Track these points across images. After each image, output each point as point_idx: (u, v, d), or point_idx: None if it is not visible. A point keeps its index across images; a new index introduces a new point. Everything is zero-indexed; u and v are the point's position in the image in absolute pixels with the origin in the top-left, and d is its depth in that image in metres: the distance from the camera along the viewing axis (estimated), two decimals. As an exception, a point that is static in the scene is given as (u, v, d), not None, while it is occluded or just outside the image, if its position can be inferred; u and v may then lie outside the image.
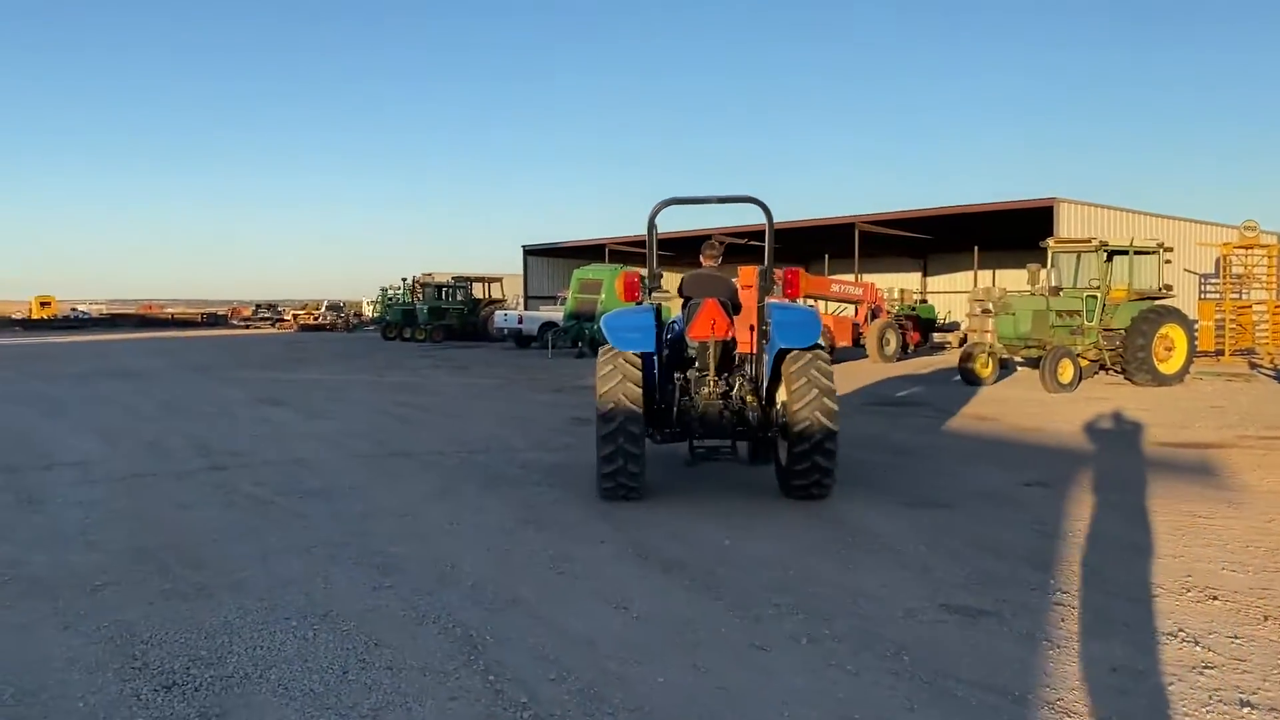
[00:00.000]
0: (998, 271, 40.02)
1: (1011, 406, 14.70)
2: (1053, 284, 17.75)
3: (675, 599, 5.30)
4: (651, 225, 8.95)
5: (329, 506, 7.73)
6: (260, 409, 14.73)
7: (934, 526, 6.99)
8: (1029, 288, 18.98)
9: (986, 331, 19.06)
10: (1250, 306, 25.30)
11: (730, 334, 8.23)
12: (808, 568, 5.90)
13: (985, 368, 18.22)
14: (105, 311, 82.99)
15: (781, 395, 7.80)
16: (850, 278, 30.34)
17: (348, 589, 5.51)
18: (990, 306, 18.91)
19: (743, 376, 8.53)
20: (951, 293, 43.18)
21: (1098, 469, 9.35)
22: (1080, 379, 16.97)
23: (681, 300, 8.66)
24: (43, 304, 73.14)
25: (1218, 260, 29.40)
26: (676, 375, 8.61)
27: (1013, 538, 6.66)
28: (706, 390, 8.11)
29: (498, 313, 35.93)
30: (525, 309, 39.41)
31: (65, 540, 6.63)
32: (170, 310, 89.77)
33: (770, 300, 8.50)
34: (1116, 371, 18.16)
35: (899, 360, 25.40)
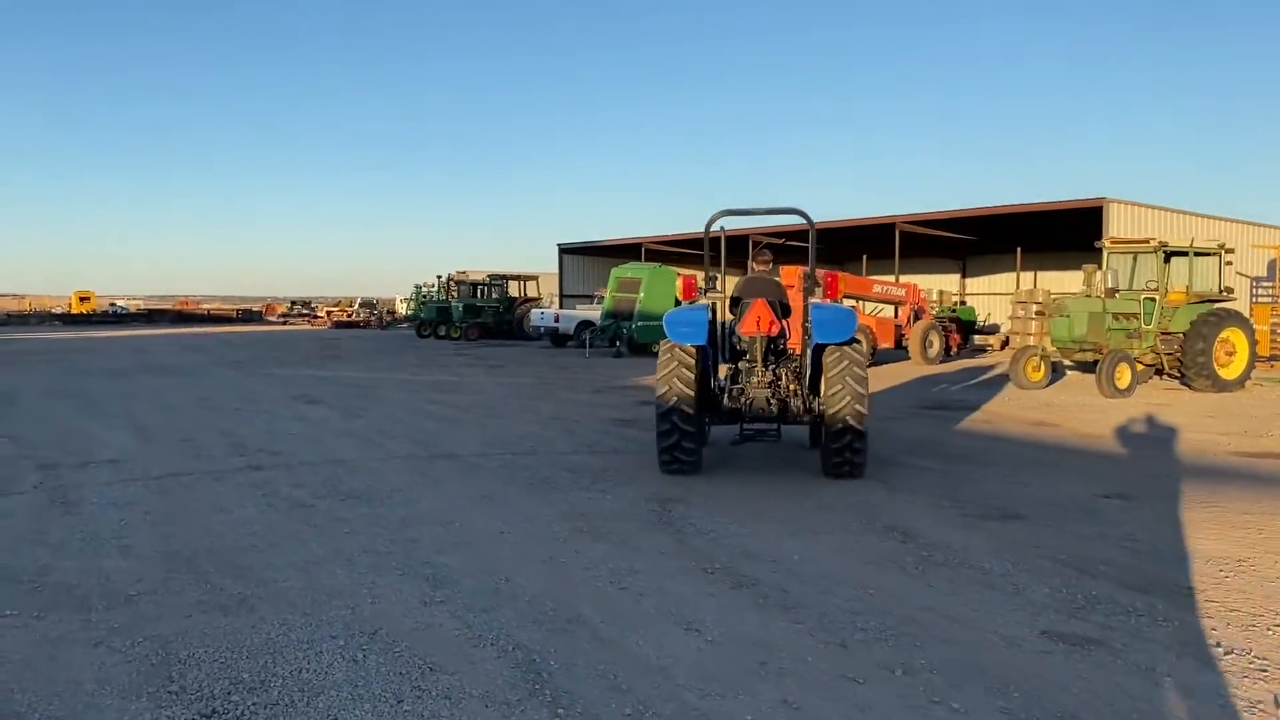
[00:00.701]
0: (1039, 274, 39.20)
1: (1069, 412, 14.15)
2: (1109, 285, 17.13)
3: (749, 620, 4.90)
4: (708, 233, 9.95)
5: (370, 511, 7.39)
6: (296, 407, 14.48)
7: (1012, 540, 6.54)
8: (1081, 289, 18.38)
9: (1035, 335, 18.49)
10: (1308, 310, 24.49)
11: (776, 330, 9.19)
12: (887, 586, 5.48)
13: (1037, 371, 17.65)
14: (143, 307, 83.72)
15: (823, 386, 8.72)
16: (890, 278, 29.75)
17: (396, 603, 5.16)
18: (1043, 308, 18.30)
19: (788, 368, 9.37)
20: (990, 294, 42.38)
21: (1176, 480, 8.83)
22: (1136, 384, 16.36)
23: (731, 300, 9.70)
24: (82, 299, 73.95)
25: (1271, 262, 28.57)
26: (729, 366, 9.54)
27: (1102, 554, 6.20)
28: (755, 380, 9.06)
29: (534, 311, 35.61)
30: (561, 308, 39.13)
31: (99, 544, 6.33)
32: (206, 306, 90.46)
33: (811, 300, 9.24)
34: (1173, 376, 17.54)
35: (941, 362, 24.83)
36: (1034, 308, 30.82)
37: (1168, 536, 6.70)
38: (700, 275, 9.92)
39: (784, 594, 5.33)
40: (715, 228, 9.87)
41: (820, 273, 10.01)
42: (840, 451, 8.49)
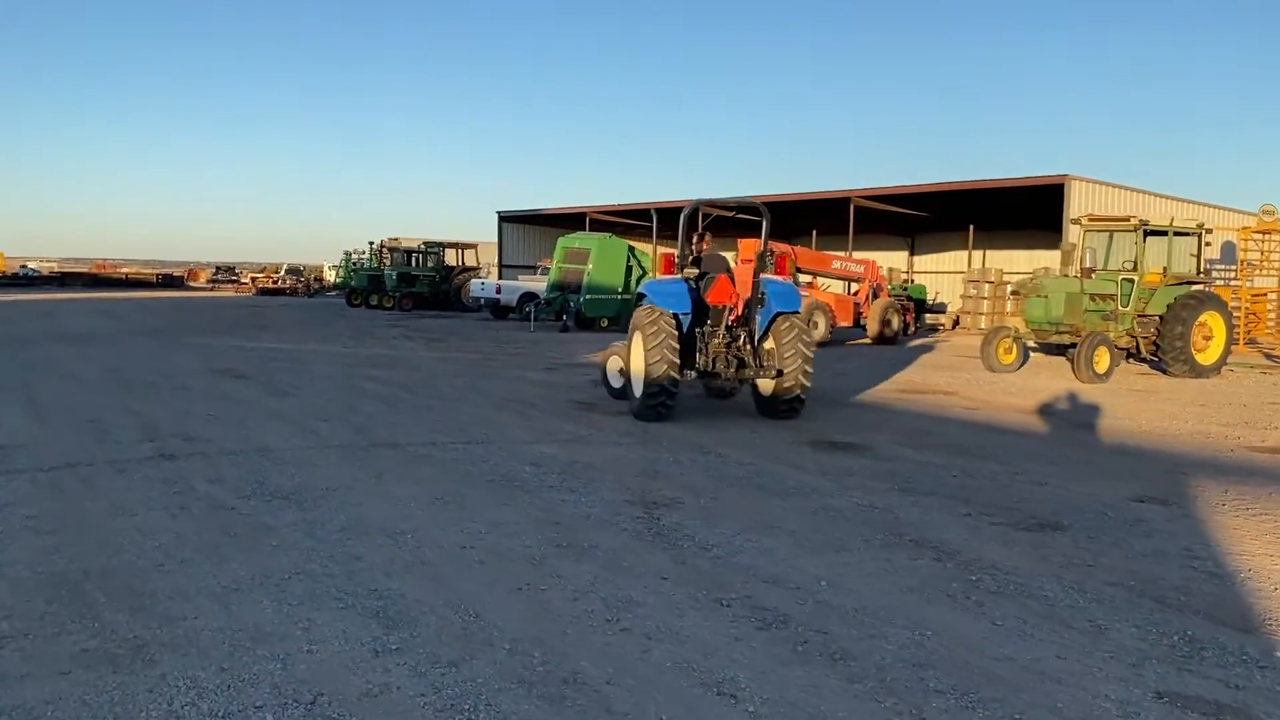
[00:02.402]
0: (988, 252, 38.88)
1: (1052, 399, 13.42)
2: (1087, 264, 16.43)
3: (794, 679, 3.87)
4: (683, 220, 11.27)
5: (303, 516, 6.22)
6: (218, 382, 13.10)
7: (1064, 558, 5.63)
8: (1059, 269, 17.71)
9: (1008, 315, 17.81)
10: (1265, 294, 24.30)
11: (735, 300, 10.74)
12: (944, 625, 4.50)
13: (1009, 354, 16.96)
14: (56, 270, 79.82)
15: (769, 345, 10.66)
16: (845, 255, 28.97)
17: (339, 652, 4.03)
18: (1018, 288, 17.61)
19: (745, 331, 10.73)
20: (939, 273, 42.01)
21: (1205, 481, 8.04)
22: (1114, 368, 15.73)
23: (696, 274, 10.86)
24: (-12, 260, 70.16)
25: (1225, 245, 28.42)
26: (696, 329, 10.72)
27: (1172, 577, 5.31)
28: (717, 341, 10.60)
29: (474, 281, 34.19)
30: (501, 278, 37.76)
31: (-40, 564, 5.08)
32: (125, 270, 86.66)
33: (764, 276, 10.91)
34: (1147, 361, 16.99)
35: (898, 342, 24.14)
36: (987, 287, 30.51)
37: (1229, 553, 5.85)
38: (675, 252, 11.41)
39: (825, 637, 4.32)
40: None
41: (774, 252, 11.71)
42: (789, 404, 10.58)
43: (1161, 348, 16.15)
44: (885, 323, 23.57)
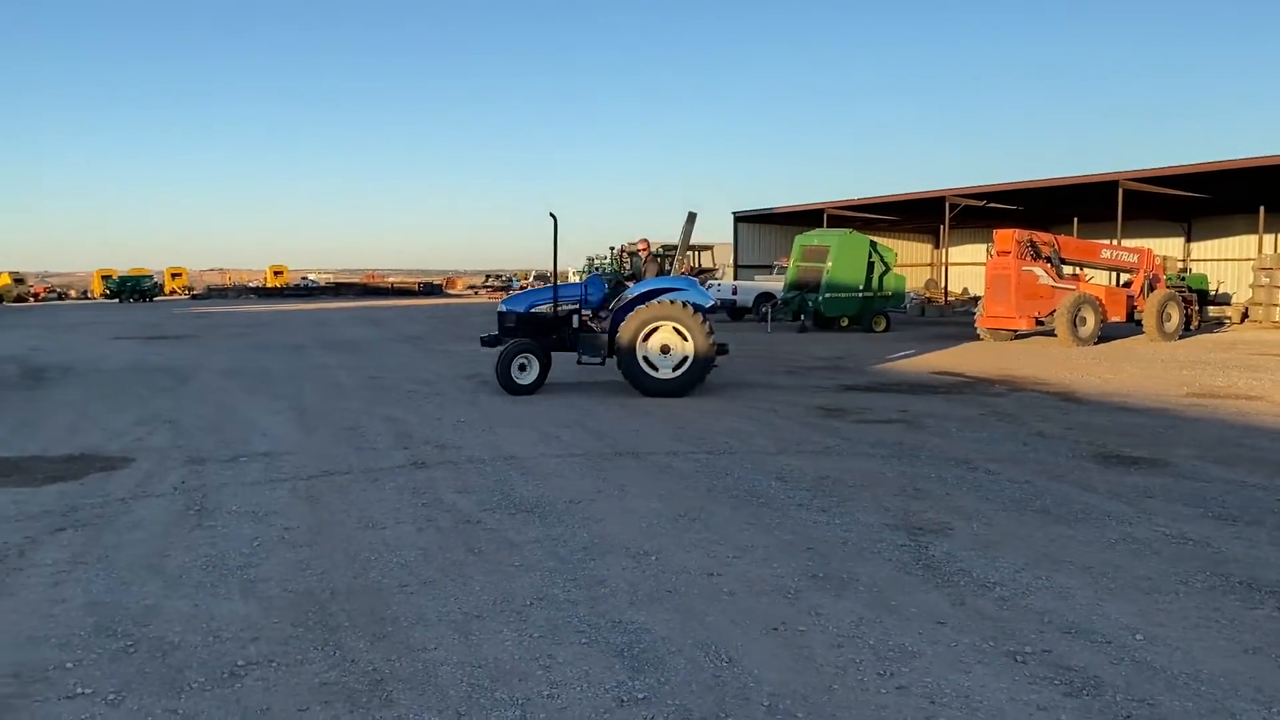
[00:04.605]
0: (1281, 235, 34.62)
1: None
2: None
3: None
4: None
5: (546, 532, 5.99)
6: (468, 388, 13.41)
7: None
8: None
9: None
10: None
11: None
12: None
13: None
14: (331, 280, 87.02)
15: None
16: (1114, 242, 26.49)
17: (581, 699, 3.68)
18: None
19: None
20: (1221, 260, 37.91)
21: None
22: None
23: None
24: (276, 273, 77.42)
25: None
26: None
27: None
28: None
29: (710, 283, 34.01)
30: (737, 279, 37.43)
31: (220, 576, 5.15)
32: (390, 279, 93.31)
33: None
34: None
35: (1180, 338, 21.73)
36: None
37: None
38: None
39: (1152, 711, 3.54)
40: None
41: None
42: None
43: None
44: (1164, 317, 21.28)
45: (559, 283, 13.18)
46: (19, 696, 3.70)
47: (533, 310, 12.98)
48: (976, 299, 28.85)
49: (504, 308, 13.17)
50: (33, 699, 3.68)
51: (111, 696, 3.69)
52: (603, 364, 12.91)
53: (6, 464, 8.22)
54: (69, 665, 3.99)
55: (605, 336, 12.70)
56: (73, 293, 75.48)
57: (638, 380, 12.35)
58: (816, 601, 4.74)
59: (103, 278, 67.27)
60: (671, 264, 13.78)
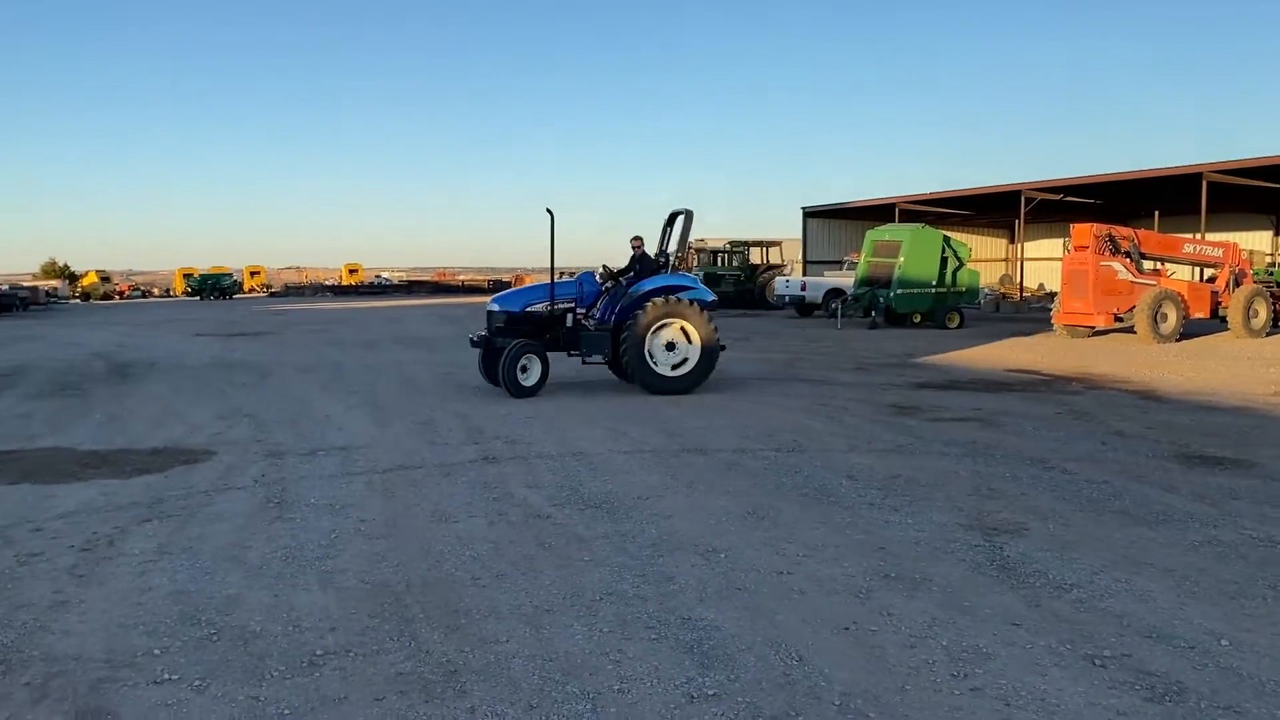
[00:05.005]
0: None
1: None
2: None
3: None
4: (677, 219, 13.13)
5: (615, 528, 6.02)
6: (537, 385, 13.50)
7: None
8: None
9: None
10: None
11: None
12: None
13: None
14: (404, 278, 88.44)
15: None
16: (1194, 237, 25.70)
17: (651, 694, 3.69)
18: None
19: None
20: (1311, 253, 36.48)
21: None
22: None
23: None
24: (351, 271, 78.99)
25: None
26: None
27: None
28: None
29: (778, 279, 33.82)
30: (806, 274, 37.15)
31: (299, 568, 5.29)
32: (461, 277, 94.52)
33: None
34: None
35: (1268, 335, 20.99)
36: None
37: None
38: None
39: (1238, 718, 3.44)
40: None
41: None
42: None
43: None
44: (1251, 313, 20.58)
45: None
46: (110, 681, 3.85)
47: (528, 309, 12.56)
48: (1053, 295, 28.24)
49: (496, 306, 12.73)
50: (123, 683, 3.82)
51: (197, 683, 3.81)
52: (606, 362, 12.68)
53: (96, 457, 8.52)
54: (156, 652, 4.13)
55: (608, 334, 12.38)
56: (155, 290, 77.96)
57: (646, 377, 12.14)
58: (888, 601, 4.70)
59: (184, 276, 69.45)
60: (669, 261, 13.12)
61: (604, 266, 13.07)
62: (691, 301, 12.42)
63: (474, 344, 12.83)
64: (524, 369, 12.07)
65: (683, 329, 12.32)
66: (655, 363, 12.22)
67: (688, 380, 12.32)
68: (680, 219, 13.17)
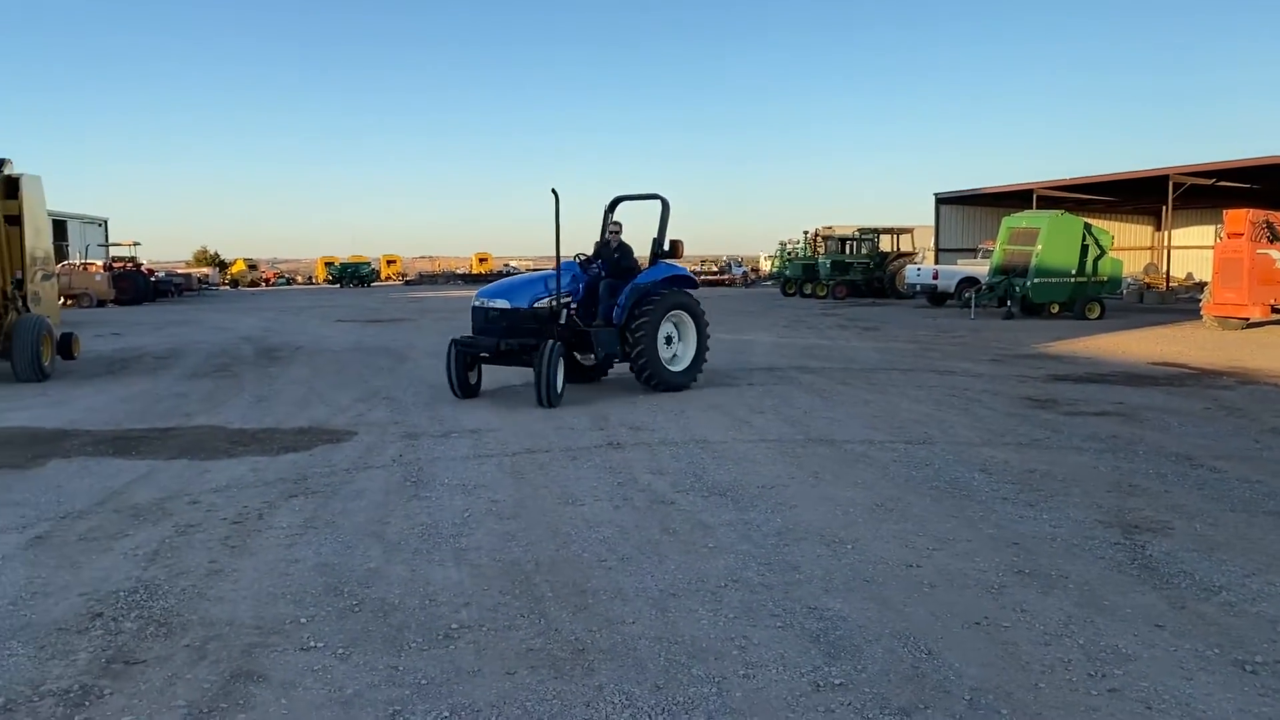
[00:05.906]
0: None
1: None
2: None
3: (1368, 794, 2.90)
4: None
5: (739, 516, 6.03)
6: (662, 372, 13.59)
7: None
8: None
9: None
10: None
11: None
12: None
13: None
14: (532, 267, 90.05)
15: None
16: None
17: (777, 680, 3.70)
18: None
19: None
20: None
21: None
22: None
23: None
24: (480, 260, 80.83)
25: None
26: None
27: None
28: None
29: (909, 267, 33.09)
30: (938, 262, 36.22)
31: (435, 544, 5.49)
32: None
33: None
34: None
35: None
36: None
37: None
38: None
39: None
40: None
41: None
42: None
43: None
44: None
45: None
46: (261, 646, 4.08)
47: (535, 305, 10.92)
48: (1202, 285, 26.81)
49: (499, 302, 10.99)
50: (273, 649, 4.04)
51: (340, 651, 4.01)
52: (620, 360, 11.54)
53: (246, 435, 9.00)
54: (303, 620, 4.36)
55: (616, 331, 11.29)
56: (299, 278, 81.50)
57: (659, 372, 11.34)
58: (1022, 597, 4.57)
59: (325, 264, 72.42)
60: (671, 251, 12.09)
61: (584, 255, 11.98)
62: (690, 293, 12.07)
63: (460, 345, 11.12)
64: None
65: (677, 324, 11.82)
66: (662, 358, 11.51)
67: (690, 374, 11.82)
68: (660, 206, 12.06)
